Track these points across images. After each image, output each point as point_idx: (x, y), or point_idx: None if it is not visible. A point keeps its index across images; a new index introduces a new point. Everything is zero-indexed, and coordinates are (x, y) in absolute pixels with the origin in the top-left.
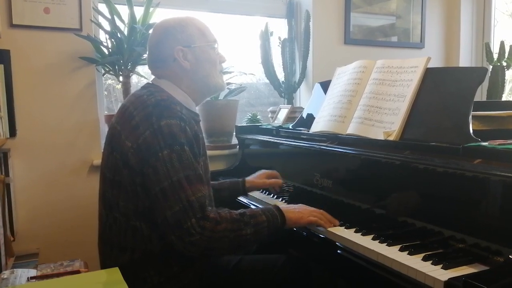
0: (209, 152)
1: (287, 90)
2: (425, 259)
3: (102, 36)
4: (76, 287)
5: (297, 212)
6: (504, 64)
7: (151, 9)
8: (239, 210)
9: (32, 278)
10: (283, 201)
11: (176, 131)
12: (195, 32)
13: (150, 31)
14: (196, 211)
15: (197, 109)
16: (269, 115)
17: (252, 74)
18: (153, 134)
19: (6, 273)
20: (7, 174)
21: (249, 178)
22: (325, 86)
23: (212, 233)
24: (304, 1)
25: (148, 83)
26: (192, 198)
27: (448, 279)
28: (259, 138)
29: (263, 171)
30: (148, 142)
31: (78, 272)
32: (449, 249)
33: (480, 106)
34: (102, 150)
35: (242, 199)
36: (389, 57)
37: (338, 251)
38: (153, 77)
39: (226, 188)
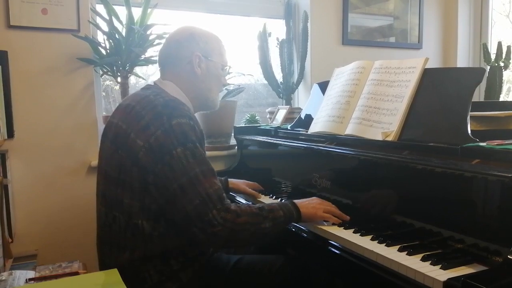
0: (207, 153)
1: (285, 91)
2: (424, 259)
3: (100, 37)
4: None
5: (311, 207)
6: (502, 64)
7: (149, 10)
8: (258, 205)
9: (30, 279)
10: (282, 201)
11: (187, 130)
12: (216, 48)
13: (149, 31)
14: (215, 203)
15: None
16: (268, 116)
17: (250, 75)
18: (165, 133)
19: (4, 275)
20: (5, 175)
21: (232, 180)
22: (323, 86)
23: (233, 225)
24: (302, 2)
25: (149, 84)
26: (210, 191)
27: (447, 279)
28: (258, 139)
29: (247, 181)
30: (161, 141)
31: (76, 273)
32: (448, 249)
33: (478, 106)
34: (100, 149)
35: (241, 200)
36: (387, 57)
37: (337, 252)
38: (152, 78)
39: None
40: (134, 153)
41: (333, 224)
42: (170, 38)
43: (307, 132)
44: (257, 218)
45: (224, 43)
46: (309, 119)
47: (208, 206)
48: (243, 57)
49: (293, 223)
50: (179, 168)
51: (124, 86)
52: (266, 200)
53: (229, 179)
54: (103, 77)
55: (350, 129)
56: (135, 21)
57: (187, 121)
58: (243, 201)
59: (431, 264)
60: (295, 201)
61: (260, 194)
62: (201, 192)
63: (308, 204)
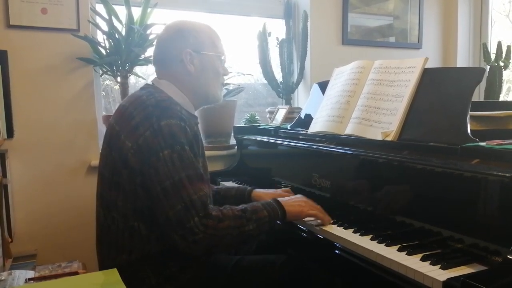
0: (207, 153)
1: (285, 91)
2: (423, 259)
3: (100, 37)
4: None
5: (297, 205)
6: (501, 64)
7: (149, 9)
8: (241, 206)
9: (30, 279)
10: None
11: (176, 131)
12: (207, 40)
13: (149, 31)
14: (198, 210)
15: (196, 113)
16: (267, 116)
17: (250, 74)
18: (153, 134)
19: (4, 275)
20: (4, 175)
21: (257, 191)
22: (323, 86)
23: (215, 231)
24: (302, 2)
25: (147, 84)
26: (194, 197)
27: (447, 279)
28: (257, 139)
29: (277, 190)
30: (149, 142)
31: (76, 273)
32: (448, 249)
33: (477, 106)
34: (100, 151)
35: None
36: (387, 57)
37: (337, 252)
38: (151, 77)
39: (233, 195)
40: (124, 154)
41: (333, 223)
42: (159, 38)
43: (306, 132)
44: (240, 221)
45: (216, 32)
46: (309, 119)
47: (190, 212)
48: (243, 56)
49: (297, 225)
50: (164, 171)
51: (124, 85)
52: None
53: (254, 190)
54: (102, 76)
55: (349, 129)
56: (134, 20)
57: (178, 122)
58: None
59: (430, 264)
60: (280, 199)
61: None
62: (184, 197)
63: (293, 202)
